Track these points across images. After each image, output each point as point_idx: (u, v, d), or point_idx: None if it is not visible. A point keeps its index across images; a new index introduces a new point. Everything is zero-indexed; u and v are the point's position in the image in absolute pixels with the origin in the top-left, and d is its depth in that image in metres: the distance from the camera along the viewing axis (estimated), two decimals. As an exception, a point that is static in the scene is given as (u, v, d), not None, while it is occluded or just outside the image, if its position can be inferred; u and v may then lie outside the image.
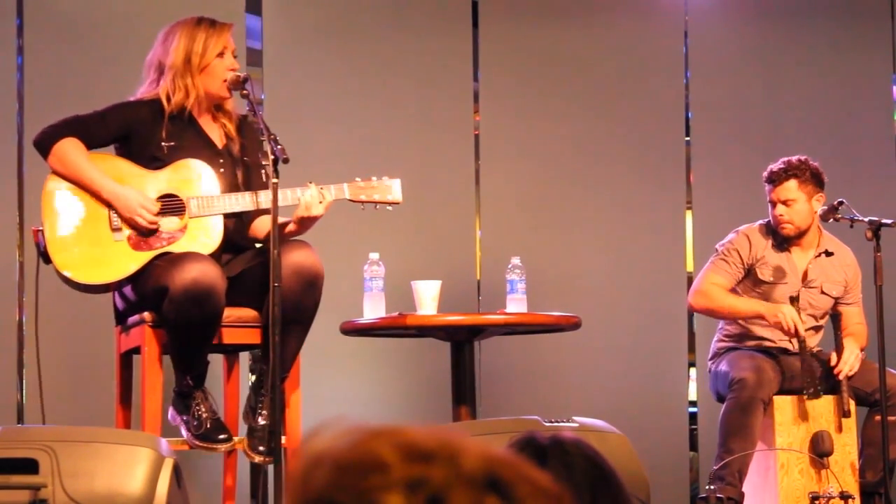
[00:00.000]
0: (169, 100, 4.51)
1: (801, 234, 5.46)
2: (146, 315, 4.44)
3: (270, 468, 4.63)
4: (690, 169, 6.68)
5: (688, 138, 6.71)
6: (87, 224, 4.47)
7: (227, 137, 4.62)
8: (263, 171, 4.52)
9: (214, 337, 4.43)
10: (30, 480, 3.64)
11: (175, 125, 4.54)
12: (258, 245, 4.69)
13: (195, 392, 4.44)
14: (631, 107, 6.61)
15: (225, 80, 4.51)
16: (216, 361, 4.64)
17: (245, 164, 4.61)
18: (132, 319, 4.53)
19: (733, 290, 5.48)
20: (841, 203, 5.18)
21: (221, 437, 4.43)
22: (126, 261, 4.45)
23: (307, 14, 6.41)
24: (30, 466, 3.65)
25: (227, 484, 4.84)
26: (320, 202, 4.47)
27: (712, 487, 5.15)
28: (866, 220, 5.10)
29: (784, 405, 5.28)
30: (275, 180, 4.19)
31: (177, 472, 3.76)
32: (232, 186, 4.57)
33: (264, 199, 4.41)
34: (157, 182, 4.50)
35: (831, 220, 5.25)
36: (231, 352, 4.79)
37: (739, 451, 5.15)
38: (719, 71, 6.73)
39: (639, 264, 6.53)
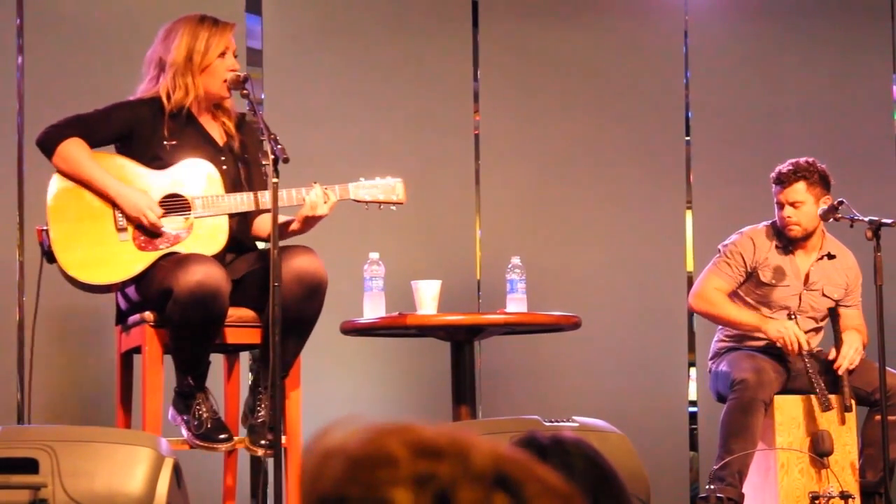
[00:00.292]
0: (169, 98, 4.50)
1: (807, 237, 5.45)
2: (147, 315, 4.43)
3: (271, 468, 4.63)
4: (690, 169, 6.68)
5: (688, 138, 6.71)
6: (92, 224, 4.46)
7: (228, 135, 4.62)
8: (264, 170, 4.51)
9: (218, 338, 4.43)
10: (30, 480, 3.64)
11: (176, 124, 4.53)
12: (261, 246, 4.69)
13: (196, 392, 4.44)
14: (631, 107, 6.61)
15: (225, 81, 4.50)
16: (216, 361, 4.64)
17: (246, 161, 4.60)
18: (132, 319, 4.53)
19: (734, 292, 5.48)
20: (841, 203, 5.18)
21: (222, 436, 4.43)
22: (131, 261, 4.45)
23: (307, 14, 6.41)
24: (30, 466, 3.65)
25: (227, 484, 4.84)
26: (325, 202, 4.47)
27: (712, 487, 5.15)
28: (866, 219, 5.10)
29: (784, 405, 5.28)
30: (275, 180, 4.19)
31: (177, 471, 3.76)
32: (235, 184, 4.56)
33: (268, 199, 4.41)
34: (161, 181, 4.50)
35: (831, 219, 5.25)
36: (231, 352, 4.79)
37: (740, 452, 5.15)
38: (719, 71, 6.73)
39: (639, 264, 6.53)
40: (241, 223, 4.59)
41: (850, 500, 5.12)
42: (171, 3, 5.83)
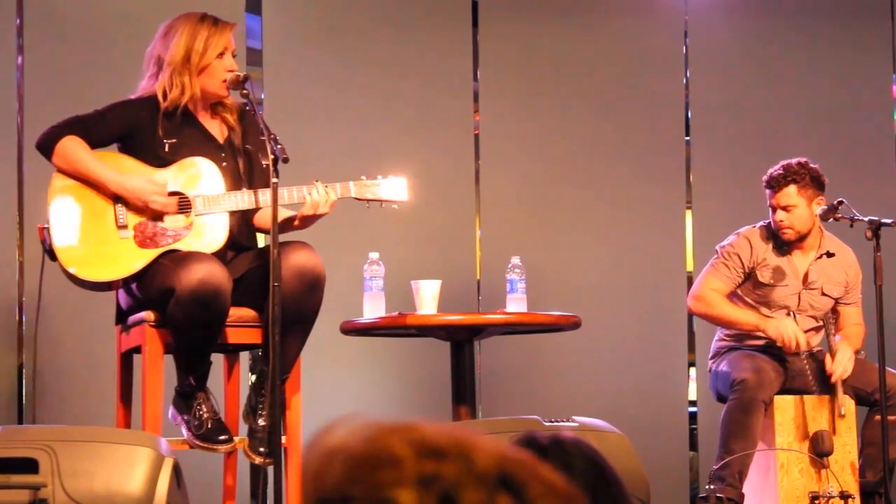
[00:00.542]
0: (165, 96, 4.49)
1: (802, 238, 5.44)
2: (147, 315, 4.43)
3: (271, 469, 4.63)
4: (690, 169, 6.68)
5: (688, 138, 6.71)
6: (92, 221, 4.47)
7: (229, 129, 4.61)
8: (265, 166, 4.51)
9: (219, 338, 4.43)
10: (30, 480, 3.64)
11: (174, 122, 4.52)
12: (260, 242, 4.69)
13: (197, 392, 4.44)
14: (631, 107, 6.61)
15: (224, 81, 4.50)
16: (216, 361, 4.64)
17: (247, 153, 4.59)
18: (132, 319, 4.53)
19: (733, 293, 5.47)
20: (841, 203, 5.18)
21: (222, 437, 4.43)
22: (131, 258, 4.45)
23: (307, 14, 6.41)
24: (30, 466, 3.65)
25: (227, 484, 4.84)
26: (326, 202, 4.47)
27: (712, 487, 5.15)
28: (866, 219, 5.10)
29: (784, 405, 5.28)
30: (275, 180, 4.18)
31: (177, 471, 3.76)
32: (235, 180, 4.55)
33: (269, 197, 4.40)
34: (161, 179, 4.50)
35: (831, 219, 5.24)
36: (232, 351, 4.79)
37: (740, 452, 5.15)
38: (719, 71, 6.73)
39: (639, 264, 6.53)
40: (240, 222, 4.59)
41: (850, 500, 5.12)
42: (171, 3, 5.84)
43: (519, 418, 4.17)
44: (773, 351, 5.38)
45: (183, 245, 4.44)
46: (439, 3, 6.53)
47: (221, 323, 4.37)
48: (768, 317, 5.39)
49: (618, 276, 6.52)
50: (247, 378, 4.97)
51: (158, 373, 4.44)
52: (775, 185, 5.40)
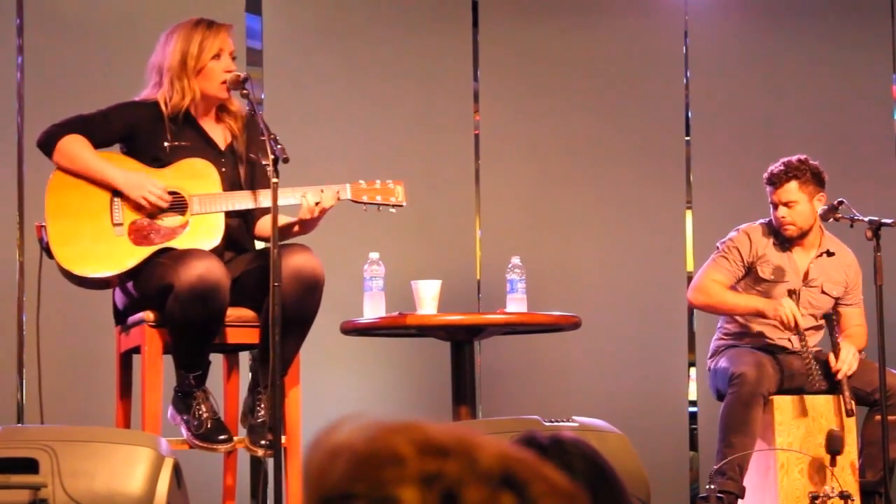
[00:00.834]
0: (167, 103, 4.52)
1: (803, 235, 5.45)
2: (146, 315, 4.43)
3: (271, 468, 4.63)
4: (690, 169, 6.68)
5: (688, 138, 6.71)
6: (88, 219, 4.48)
7: (233, 136, 4.62)
8: (268, 170, 4.52)
9: (218, 335, 4.43)
10: (30, 480, 3.64)
11: (176, 127, 4.55)
12: (259, 246, 4.69)
13: (196, 392, 4.44)
14: (631, 107, 6.61)
15: (223, 82, 4.51)
16: (216, 361, 4.64)
17: (251, 161, 4.60)
18: (132, 319, 4.53)
19: (733, 288, 5.48)
20: (841, 203, 5.18)
21: (221, 437, 4.43)
22: (125, 255, 4.46)
23: (307, 14, 6.42)
24: (30, 466, 3.65)
25: (227, 484, 4.84)
26: (320, 204, 4.47)
27: (712, 487, 5.15)
28: (866, 219, 5.10)
29: (784, 404, 5.28)
30: (275, 180, 4.20)
31: (177, 471, 3.76)
32: (234, 187, 4.57)
33: (265, 197, 4.42)
34: (160, 179, 4.51)
35: (831, 219, 5.25)
36: (231, 351, 4.79)
37: (740, 446, 5.16)
38: (719, 71, 6.73)
39: (639, 264, 6.53)
40: (239, 223, 4.60)
41: (850, 500, 5.12)
42: (171, 3, 5.84)
43: (519, 418, 4.16)
44: (772, 349, 5.39)
45: (177, 243, 4.45)
46: (439, 3, 6.54)
47: (220, 319, 4.38)
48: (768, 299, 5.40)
49: (618, 276, 6.52)
50: (246, 378, 4.97)
51: (158, 373, 4.44)
52: (776, 181, 5.41)
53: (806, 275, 5.48)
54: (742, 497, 5.19)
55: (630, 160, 6.58)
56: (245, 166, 4.60)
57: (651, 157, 6.61)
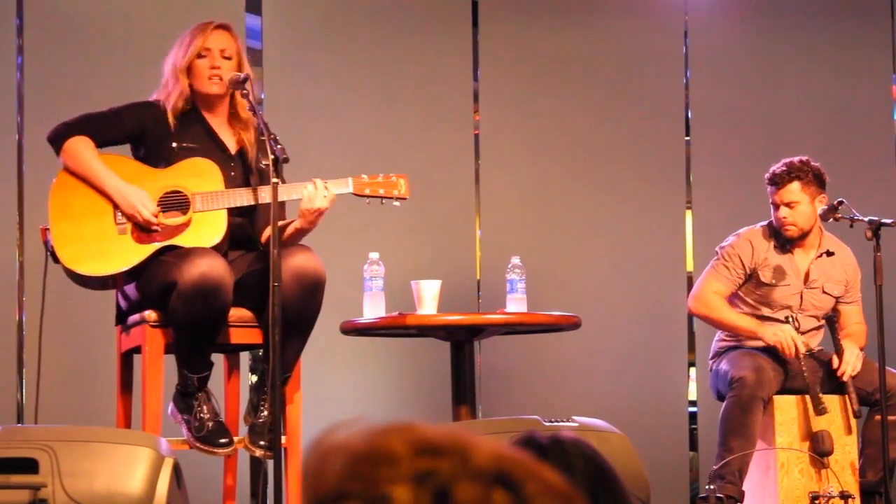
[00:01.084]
0: (167, 102, 4.56)
1: (803, 236, 5.45)
2: (147, 314, 4.44)
3: (271, 468, 4.63)
4: (690, 169, 6.68)
5: (688, 138, 6.71)
6: (92, 220, 4.49)
7: (245, 145, 4.63)
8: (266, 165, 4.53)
9: (220, 334, 4.43)
10: (30, 480, 3.64)
11: (185, 127, 4.58)
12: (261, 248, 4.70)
13: (198, 392, 4.44)
14: (631, 107, 6.61)
15: (209, 78, 4.54)
16: (217, 362, 4.64)
17: (261, 171, 4.60)
18: (133, 319, 4.54)
19: (734, 294, 5.48)
20: (841, 203, 5.18)
21: (222, 441, 4.43)
22: (128, 253, 4.47)
23: (307, 14, 6.42)
24: (30, 466, 3.65)
25: (227, 484, 4.84)
26: (324, 196, 4.47)
27: (712, 487, 5.14)
28: (866, 219, 5.10)
29: (784, 405, 5.28)
30: (275, 180, 4.20)
31: (177, 471, 3.76)
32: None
33: (268, 194, 4.41)
34: (163, 179, 4.52)
35: (831, 219, 5.25)
36: (232, 352, 4.79)
37: (739, 450, 5.15)
38: (719, 71, 6.73)
39: (639, 264, 6.53)
40: (243, 222, 4.60)
41: (850, 500, 5.12)
42: (171, 3, 5.84)
43: (519, 418, 4.17)
44: (773, 351, 5.38)
45: (179, 241, 4.46)
46: (439, 3, 6.54)
47: (223, 317, 4.38)
48: (769, 317, 5.40)
49: (618, 276, 6.52)
50: (247, 379, 4.97)
51: (158, 373, 4.44)
52: (778, 181, 5.40)
53: (807, 276, 5.48)
54: (741, 501, 5.18)
55: (630, 160, 6.58)
56: (255, 176, 4.61)
57: (651, 157, 6.61)
